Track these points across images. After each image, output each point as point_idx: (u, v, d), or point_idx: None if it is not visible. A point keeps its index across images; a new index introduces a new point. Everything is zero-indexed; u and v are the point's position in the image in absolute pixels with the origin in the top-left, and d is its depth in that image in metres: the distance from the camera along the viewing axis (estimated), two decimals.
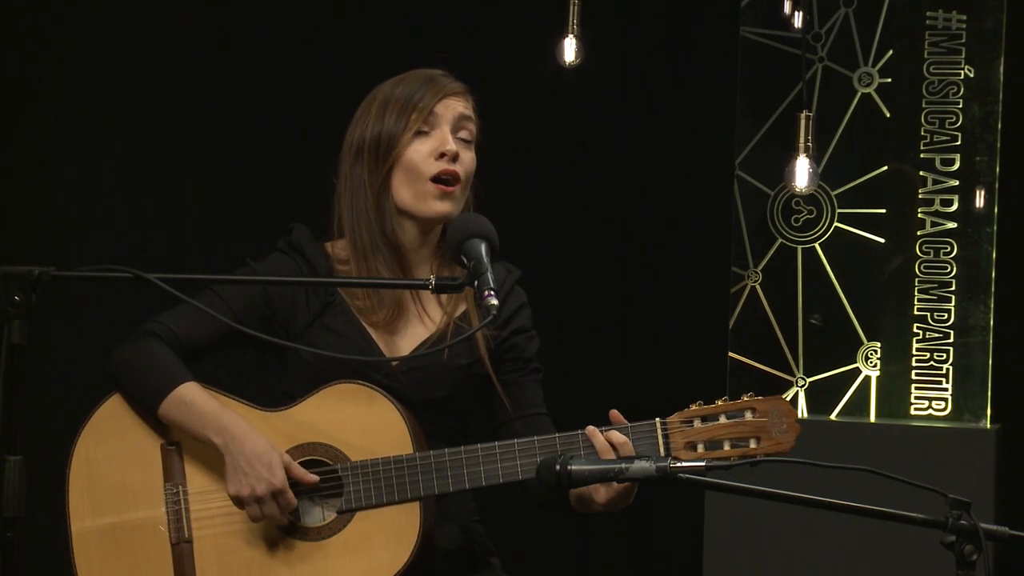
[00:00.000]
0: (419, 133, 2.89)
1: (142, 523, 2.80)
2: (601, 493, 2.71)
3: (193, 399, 2.78)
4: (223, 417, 2.76)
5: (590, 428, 2.72)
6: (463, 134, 2.90)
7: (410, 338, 2.90)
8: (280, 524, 2.76)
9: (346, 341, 2.86)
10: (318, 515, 2.78)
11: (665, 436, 2.73)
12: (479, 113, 2.96)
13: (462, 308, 2.93)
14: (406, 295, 2.91)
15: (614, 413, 2.75)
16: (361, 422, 2.77)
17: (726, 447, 2.73)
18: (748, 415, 2.74)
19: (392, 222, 2.90)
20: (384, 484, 2.74)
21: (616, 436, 2.71)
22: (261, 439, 2.74)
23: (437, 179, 2.86)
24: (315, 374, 2.83)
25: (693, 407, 2.75)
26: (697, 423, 2.74)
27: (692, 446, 2.73)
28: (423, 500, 2.75)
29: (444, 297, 2.92)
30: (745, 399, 2.75)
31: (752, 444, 2.73)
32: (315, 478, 2.75)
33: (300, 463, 2.77)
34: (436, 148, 2.87)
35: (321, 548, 2.76)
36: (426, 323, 2.92)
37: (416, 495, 2.74)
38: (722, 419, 2.74)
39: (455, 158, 2.87)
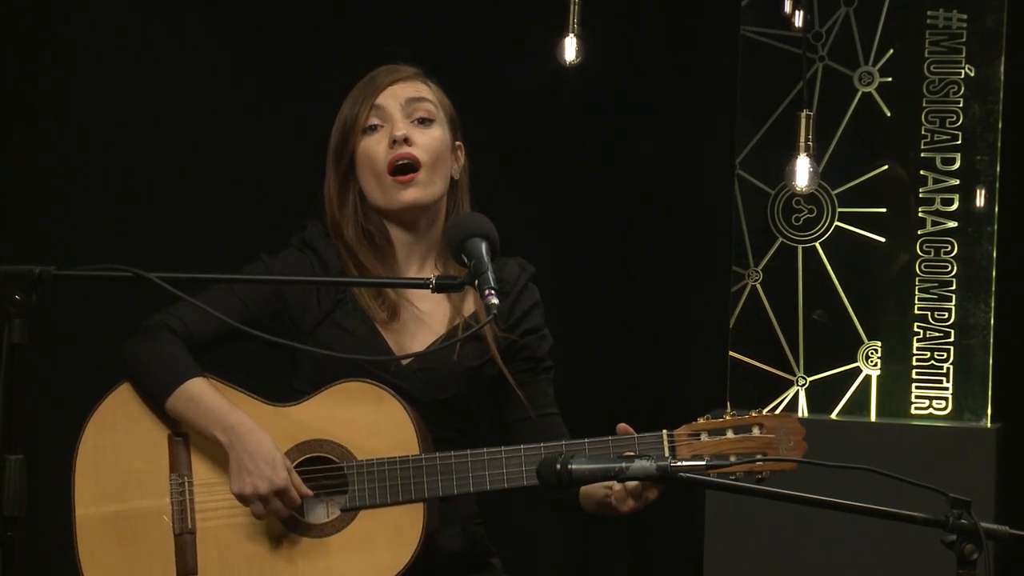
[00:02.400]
0: (369, 130, 2.90)
1: (146, 512, 2.80)
2: (629, 504, 2.70)
3: (200, 395, 2.78)
4: (229, 415, 2.76)
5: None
6: (418, 115, 2.92)
7: (420, 337, 2.91)
8: (283, 520, 2.77)
9: (357, 339, 2.87)
10: (322, 512, 2.79)
11: (672, 448, 2.73)
12: (441, 93, 2.97)
13: (472, 308, 2.93)
14: (406, 296, 2.92)
15: (622, 427, 2.75)
16: (368, 421, 2.77)
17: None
18: (756, 431, 2.74)
19: (373, 223, 2.91)
20: (389, 484, 2.75)
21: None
22: (266, 438, 2.75)
23: (394, 171, 2.87)
24: (325, 371, 2.84)
25: (701, 420, 2.75)
26: (704, 436, 2.74)
27: (699, 459, 2.72)
28: (427, 501, 2.75)
29: (455, 297, 2.92)
30: (753, 415, 2.74)
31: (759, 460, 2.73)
32: (309, 492, 2.76)
33: (305, 460, 2.78)
34: (387, 138, 2.88)
35: (323, 545, 2.77)
36: (436, 322, 2.92)
37: (420, 496, 2.75)
38: (729, 434, 2.74)
39: (406, 141, 2.87)
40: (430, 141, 2.91)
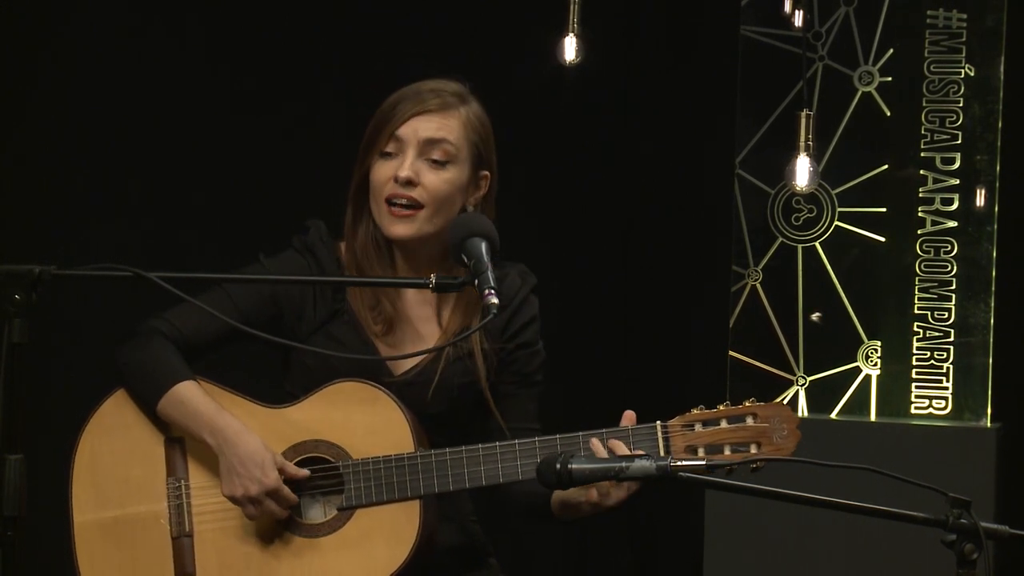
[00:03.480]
0: (385, 155, 2.88)
1: (144, 517, 2.81)
2: (606, 495, 2.69)
3: (190, 399, 2.79)
4: (217, 418, 2.77)
5: (593, 441, 2.72)
6: (434, 155, 2.86)
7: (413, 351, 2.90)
8: (282, 519, 2.77)
9: (347, 350, 2.86)
10: (319, 512, 2.80)
11: (666, 439, 2.74)
12: (473, 125, 2.90)
13: (463, 328, 2.91)
14: (404, 313, 2.91)
15: (628, 414, 2.76)
16: (364, 420, 2.78)
17: (727, 452, 2.73)
18: (749, 420, 2.75)
19: (377, 235, 2.90)
20: (385, 482, 2.75)
21: (619, 446, 2.70)
22: (254, 440, 2.75)
23: (391, 202, 2.86)
24: (316, 379, 2.84)
25: (694, 411, 2.76)
26: (698, 427, 2.74)
27: (692, 450, 2.73)
28: (423, 499, 2.75)
29: (447, 314, 2.92)
30: (747, 404, 2.76)
31: (753, 449, 2.74)
32: (306, 472, 2.76)
33: (301, 460, 2.79)
34: (394, 171, 2.86)
35: (321, 544, 2.77)
36: (428, 341, 2.91)
37: (416, 494, 2.75)
38: (723, 423, 2.74)
39: (407, 183, 2.84)
40: (439, 184, 2.86)
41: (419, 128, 2.87)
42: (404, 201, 2.85)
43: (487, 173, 2.93)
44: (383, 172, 2.87)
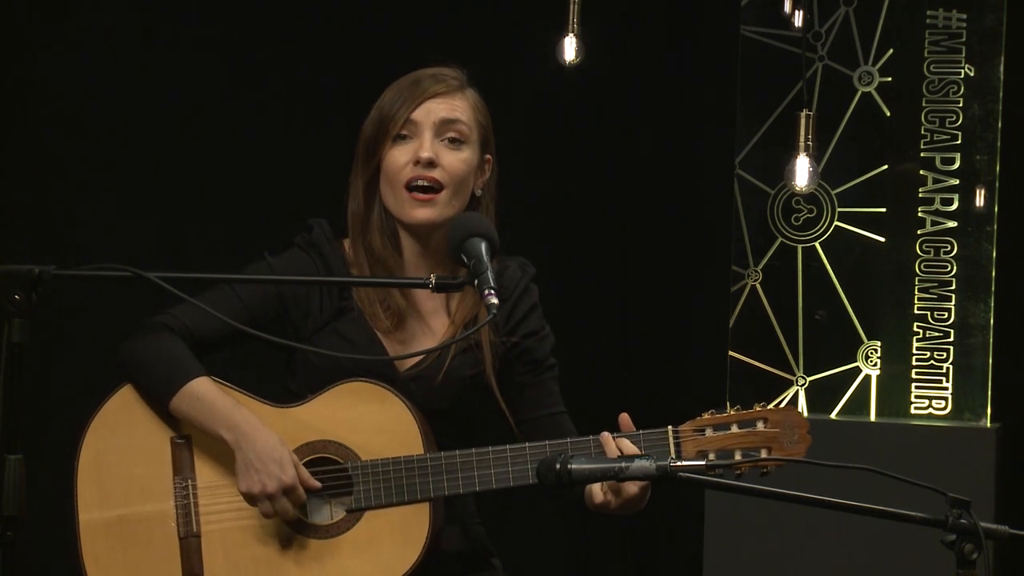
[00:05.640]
0: (399, 138, 2.87)
1: (150, 516, 2.80)
2: (610, 497, 2.70)
3: (205, 394, 2.77)
4: (234, 413, 2.76)
5: (604, 434, 2.73)
6: (450, 135, 2.87)
7: (420, 348, 2.89)
8: (290, 520, 2.76)
9: (355, 348, 2.86)
10: (327, 513, 2.79)
11: (677, 444, 2.73)
12: (479, 108, 2.93)
13: (471, 318, 2.91)
14: (414, 306, 2.91)
15: (624, 417, 2.75)
16: (372, 421, 2.77)
17: (737, 457, 2.72)
18: (760, 425, 2.74)
19: (386, 227, 2.89)
20: (394, 484, 2.75)
21: (628, 445, 2.71)
22: (272, 436, 2.74)
23: (411, 187, 2.86)
24: (322, 377, 2.83)
25: (705, 415, 2.75)
26: (709, 432, 2.74)
27: (703, 455, 2.73)
28: (432, 501, 2.75)
29: (455, 305, 2.92)
30: (757, 409, 2.75)
31: (763, 454, 2.73)
32: (318, 484, 2.75)
33: (310, 461, 2.78)
34: (413, 155, 2.86)
35: (329, 546, 2.77)
36: (437, 333, 2.91)
37: (426, 496, 2.74)
38: (734, 428, 2.74)
39: (429, 164, 2.84)
40: (457, 164, 2.87)
41: (433, 108, 2.87)
42: (425, 183, 2.84)
43: (490, 157, 2.95)
44: (400, 156, 2.86)
